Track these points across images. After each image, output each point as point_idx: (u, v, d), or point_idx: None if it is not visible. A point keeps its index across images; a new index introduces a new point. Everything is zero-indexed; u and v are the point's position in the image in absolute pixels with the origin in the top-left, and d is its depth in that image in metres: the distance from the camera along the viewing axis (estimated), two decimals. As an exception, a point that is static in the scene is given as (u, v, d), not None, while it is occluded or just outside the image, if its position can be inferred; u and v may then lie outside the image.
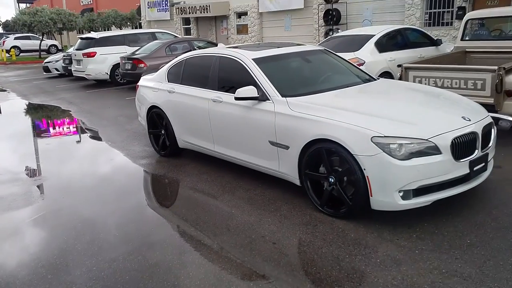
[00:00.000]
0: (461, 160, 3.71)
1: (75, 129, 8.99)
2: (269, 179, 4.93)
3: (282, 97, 4.44)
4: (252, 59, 4.93)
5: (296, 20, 16.63)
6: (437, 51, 9.46)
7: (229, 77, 5.14)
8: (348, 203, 3.87)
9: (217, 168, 5.56)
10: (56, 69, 17.94)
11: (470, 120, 3.90)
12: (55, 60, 18.14)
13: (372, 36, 8.60)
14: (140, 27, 28.68)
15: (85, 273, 3.33)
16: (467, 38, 7.98)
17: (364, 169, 3.65)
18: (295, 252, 3.50)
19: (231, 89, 4.96)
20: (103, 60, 14.54)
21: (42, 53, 28.62)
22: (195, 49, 13.99)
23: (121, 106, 10.84)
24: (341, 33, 9.71)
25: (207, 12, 19.11)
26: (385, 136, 3.61)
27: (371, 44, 8.45)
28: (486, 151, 3.98)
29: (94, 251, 3.65)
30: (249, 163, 4.89)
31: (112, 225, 4.19)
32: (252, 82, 4.71)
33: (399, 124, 3.74)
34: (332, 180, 3.97)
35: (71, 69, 16.18)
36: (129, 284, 3.16)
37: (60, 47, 34.75)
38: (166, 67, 6.22)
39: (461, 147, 3.72)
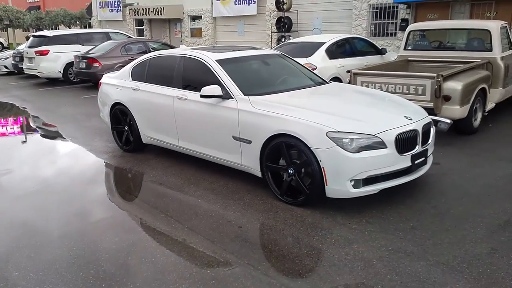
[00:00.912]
0: (404, 154, 4.22)
1: (33, 125, 8.89)
2: (231, 172, 5.26)
3: (245, 95, 4.80)
4: (216, 60, 5.26)
5: (249, 26, 17.10)
6: (382, 59, 10.18)
7: (193, 77, 5.44)
8: (305, 192, 4.28)
9: (180, 162, 5.83)
10: (5, 67, 17.39)
11: (411, 119, 4.44)
12: (4, 58, 17.59)
13: (323, 43, 9.17)
14: (90, 27, 28.18)
15: (83, 247, 3.53)
16: (409, 48, 8.68)
17: (320, 160, 4.08)
18: (259, 234, 3.86)
19: (195, 87, 5.26)
20: (56, 59, 14.32)
21: (-15, 49, 27.39)
22: (150, 50, 14.15)
23: (77, 104, 10.79)
24: (293, 39, 10.24)
25: (161, 14, 19.19)
26: (338, 131, 4.05)
27: (322, 51, 9.00)
28: (426, 147, 4.53)
29: (87, 232, 3.84)
30: (212, 157, 5.20)
31: (89, 212, 4.36)
32: (216, 81, 5.03)
33: (350, 121, 4.21)
34: (291, 172, 4.37)
35: (21, 67, 15.76)
36: (112, 258, 3.39)
37: (5, 45, 33.35)
38: (129, 66, 6.42)
39: (404, 142, 4.23)
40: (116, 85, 6.41)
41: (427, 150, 4.57)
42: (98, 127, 8.06)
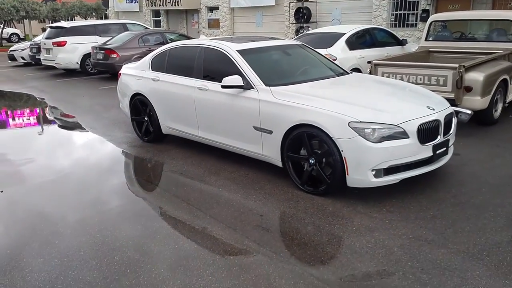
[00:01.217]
0: (426, 144, 4.21)
1: (53, 116, 9.04)
2: (251, 162, 5.31)
3: (266, 86, 4.83)
4: (237, 50, 5.28)
5: (268, 17, 17.05)
6: (402, 50, 10.09)
7: (214, 67, 5.47)
8: (326, 181, 4.30)
9: (200, 153, 5.89)
10: (22, 58, 17.65)
11: (434, 109, 4.42)
12: (21, 49, 17.84)
13: (343, 34, 9.12)
14: (106, 18, 28.38)
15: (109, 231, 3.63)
16: (430, 39, 8.59)
17: (342, 150, 4.09)
18: (280, 222, 3.90)
19: (216, 78, 5.30)
20: (74, 50, 14.48)
21: (3, 41, 27.78)
22: (168, 41, 14.24)
23: (95, 96, 10.92)
24: (313, 30, 10.19)
25: (178, 5, 19.23)
26: (360, 122, 4.06)
27: (342, 41, 8.96)
28: (448, 137, 4.51)
29: (110, 219, 3.94)
30: (233, 147, 5.25)
31: (111, 201, 4.46)
32: (237, 72, 5.06)
33: (372, 111, 4.20)
34: (312, 161, 4.40)
35: (39, 58, 16.00)
36: (136, 245, 3.47)
37: (22, 36, 33.80)
38: (149, 56, 6.48)
39: (426, 132, 4.22)
40: (136, 75, 6.49)
41: (448, 140, 4.55)
42: (116, 118, 8.17)
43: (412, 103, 4.54)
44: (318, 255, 3.34)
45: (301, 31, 15.43)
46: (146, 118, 6.45)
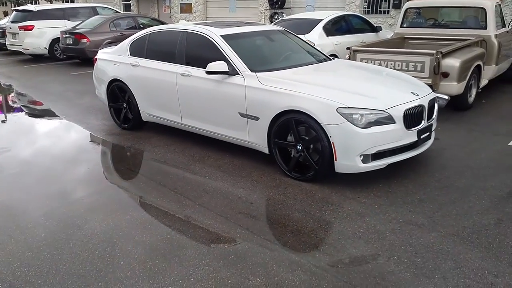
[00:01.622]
0: (411, 129, 4.28)
1: (24, 103, 8.69)
2: (235, 149, 5.28)
3: (252, 72, 4.78)
4: (220, 35, 5.20)
5: (241, 2, 16.85)
6: (377, 37, 10.18)
7: (197, 52, 5.36)
8: (314, 167, 4.31)
9: (182, 140, 5.80)
10: (-16, 43, 16.87)
11: (418, 95, 4.48)
12: (-17, 33, 17.04)
13: (320, 20, 9.11)
14: (73, 1, 27.40)
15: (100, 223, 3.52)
16: (405, 26, 8.70)
17: (330, 136, 4.11)
18: (271, 209, 3.90)
19: (199, 64, 5.20)
20: (42, 34, 13.93)
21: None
22: (140, 26, 13.91)
23: (66, 82, 10.58)
24: (289, 16, 10.12)
25: (148, -11, 18.78)
26: (348, 107, 4.08)
27: (319, 28, 8.95)
28: (431, 122, 4.59)
29: (96, 210, 3.83)
30: (218, 134, 5.19)
31: (95, 191, 4.33)
32: (221, 57, 4.98)
33: (360, 97, 4.23)
34: (300, 148, 4.40)
35: (3, 43, 15.35)
36: (126, 236, 3.39)
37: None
38: (127, 41, 6.30)
39: (411, 118, 4.28)
40: (114, 61, 6.30)
41: (431, 125, 4.64)
42: (91, 105, 7.95)
43: (397, 89, 4.58)
44: (312, 241, 3.35)
45: (275, 16, 15.35)
46: (124, 105, 6.30)
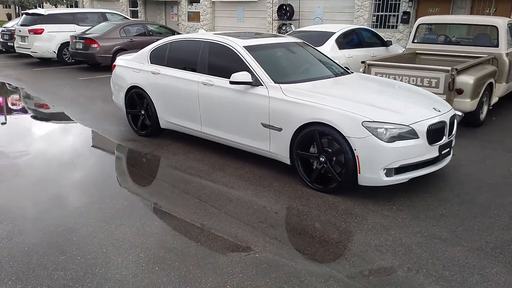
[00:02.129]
0: (433, 145, 4.36)
1: (37, 107, 8.74)
2: (255, 158, 5.34)
3: (275, 83, 4.86)
4: (244, 46, 5.29)
5: (249, 12, 17.02)
6: (387, 51, 10.32)
7: (219, 62, 5.44)
8: (337, 179, 4.38)
9: (200, 148, 5.87)
10: (-8, 44, 16.97)
11: (440, 111, 4.57)
12: (-10, 35, 17.13)
13: (333, 33, 9.23)
14: (76, 6, 27.61)
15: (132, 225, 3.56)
16: (417, 41, 8.83)
17: (355, 149, 4.18)
18: (297, 220, 3.95)
19: (222, 73, 5.29)
20: (51, 38, 14.04)
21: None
22: (150, 32, 14.03)
23: (77, 87, 10.65)
24: (302, 28, 10.25)
25: (157, -3, 18.95)
26: (373, 121, 4.16)
27: (332, 40, 9.07)
28: (451, 138, 4.68)
29: (124, 217, 3.87)
30: (238, 144, 5.25)
31: (121, 196, 4.38)
32: (244, 68, 5.07)
33: (384, 111, 4.31)
34: (323, 159, 4.47)
35: (11, 45, 15.45)
36: (158, 242, 3.44)
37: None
38: (147, 49, 6.38)
39: (434, 133, 4.36)
40: (133, 68, 6.38)
41: (452, 141, 4.72)
42: (104, 110, 8.02)
43: (419, 104, 4.67)
44: (340, 252, 3.41)
45: (284, 28, 15.50)
46: (142, 112, 6.37)
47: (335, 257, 3.33)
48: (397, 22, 13.40)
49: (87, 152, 5.82)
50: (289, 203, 4.29)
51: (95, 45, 12.87)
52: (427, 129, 4.27)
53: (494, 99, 7.76)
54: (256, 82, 4.94)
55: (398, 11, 13.28)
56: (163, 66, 6.02)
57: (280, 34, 6.35)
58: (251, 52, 5.23)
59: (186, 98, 5.65)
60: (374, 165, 4.16)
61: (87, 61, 13.69)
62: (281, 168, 5.08)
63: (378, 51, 10.00)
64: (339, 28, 9.52)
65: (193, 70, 5.64)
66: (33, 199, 4.27)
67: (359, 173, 4.24)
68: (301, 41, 6.20)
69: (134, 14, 21.06)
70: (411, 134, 4.20)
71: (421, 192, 4.55)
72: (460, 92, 6.57)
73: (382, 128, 4.14)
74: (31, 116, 7.87)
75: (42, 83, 11.16)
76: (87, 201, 4.24)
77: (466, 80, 6.59)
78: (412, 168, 4.32)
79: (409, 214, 4.08)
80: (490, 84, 7.31)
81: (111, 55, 13.11)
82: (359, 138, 4.15)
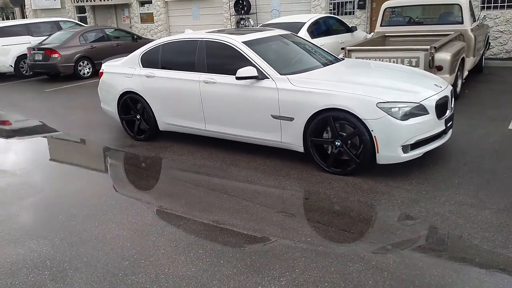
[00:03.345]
0: (440, 119, 4.63)
1: (16, 121, 8.36)
2: (263, 150, 5.45)
3: (281, 75, 4.97)
4: (242, 42, 5.35)
5: (205, 9, 16.93)
6: (352, 37, 10.66)
7: (219, 60, 5.47)
8: (356, 161, 4.56)
9: (204, 146, 5.89)
10: None
11: (441, 87, 4.85)
12: None
13: (304, 23, 9.45)
14: (14, 18, 26.39)
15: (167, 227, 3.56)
16: (384, 24, 9.20)
17: (372, 130, 4.37)
18: (329, 203, 4.09)
19: (224, 70, 5.33)
20: (6, 52, 13.43)
21: None
22: (109, 37, 13.71)
23: (46, 98, 10.28)
24: (271, 21, 10.38)
25: (108, 0, 18.42)
26: (387, 102, 4.36)
27: (304, 30, 9.27)
28: (452, 112, 4.97)
29: (162, 221, 3.86)
30: (247, 138, 5.32)
31: (157, 196, 4.35)
32: (247, 63, 5.14)
33: (394, 91, 4.52)
34: (338, 144, 4.64)
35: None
36: (208, 236, 3.47)
37: None
38: (137, 53, 6.29)
39: (440, 108, 4.63)
40: (125, 73, 6.28)
41: (453, 114, 5.02)
42: (89, 120, 7.84)
43: (422, 82, 4.92)
44: (385, 227, 3.58)
45: (242, 22, 15.58)
46: (138, 117, 6.29)
47: (383, 233, 3.51)
48: (353, 8, 13.81)
49: (93, 162, 5.69)
50: (314, 188, 4.43)
51: (56, 55, 12.44)
52: (435, 104, 4.53)
53: (465, 73, 8.25)
54: (261, 76, 5.02)
55: (354, -2, 13.69)
56: (157, 68, 5.98)
57: (268, 28, 6.45)
58: (251, 47, 5.30)
59: (187, 98, 5.64)
60: (392, 144, 4.37)
61: (47, 72, 13.20)
62: (292, 157, 5.21)
63: (345, 38, 10.32)
64: (308, 18, 9.74)
65: (191, 69, 5.64)
66: (73, 211, 4.16)
67: (377, 152, 4.43)
68: (289, 32, 6.33)
69: (83, 20, 20.39)
70: (422, 110, 4.45)
71: (432, 165, 4.82)
72: (440, 68, 6.94)
73: (396, 107, 4.35)
74: (14, 132, 7.54)
75: (7, 97, 10.67)
76: (127, 206, 4.18)
77: (444, 56, 6.97)
78: (424, 143, 4.56)
79: (429, 186, 4.32)
80: (462, 59, 7.77)
81: (73, 64, 12.75)
82: (375, 119, 4.35)
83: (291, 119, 4.85)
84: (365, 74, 5.17)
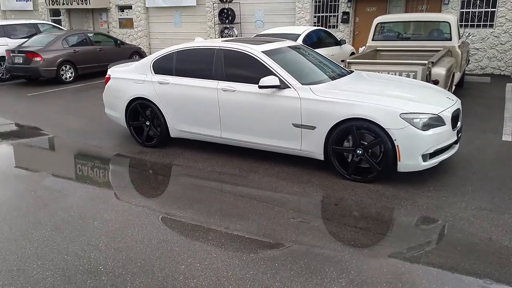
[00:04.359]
0: (454, 130, 4.93)
1: (18, 128, 8.13)
2: (279, 158, 5.59)
3: (302, 84, 5.14)
4: (262, 51, 5.50)
5: (187, 17, 16.96)
6: (341, 50, 11.03)
7: (238, 68, 5.57)
8: (377, 168, 4.78)
9: (217, 153, 5.97)
10: None
11: (453, 100, 5.16)
12: None
13: (299, 35, 9.70)
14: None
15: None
16: (375, 39, 9.59)
17: (395, 139, 4.61)
18: (358, 208, 4.27)
19: (243, 79, 5.46)
20: (-17, 54, 12.98)
21: None
22: (92, 41, 13.53)
23: (32, 103, 10.03)
24: (267, 31, 10.57)
25: (85, 4, 18.13)
26: (410, 112, 4.61)
27: (299, 41, 9.51)
28: (461, 124, 5.29)
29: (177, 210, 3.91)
30: (266, 146, 5.44)
31: (186, 204, 4.39)
32: (267, 72, 5.29)
33: (415, 103, 4.77)
34: (360, 152, 4.84)
35: None
36: (254, 243, 3.57)
37: None
38: (148, 60, 6.32)
39: (454, 119, 4.93)
40: (135, 79, 6.28)
41: (462, 126, 5.34)
42: (87, 126, 7.75)
43: (435, 95, 5.21)
44: (417, 232, 3.79)
45: (226, 31, 15.72)
46: (148, 123, 6.30)
47: (419, 236, 3.71)
48: (337, 22, 14.24)
49: (114, 168, 5.65)
50: (340, 195, 4.60)
51: (38, 58, 12.16)
52: (451, 116, 4.82)
53: (453, 87, 8.70)
54: (283, 85, 5.18)
55: (337, 12, 14.12)
56: (171, 75, 6.02)
57: (280, 39, 6.61)
58: (270, 56, 5.46)
59: (203, 105, 5.72)
60: (414, 152, 4.61)
61: (27, 76, 12.84)
62: (308, 164, 5.39)
63: (334, 50, 10.66)
64: (302, 30, 10.01)
65: (208, 77, 5.72)
66: (106, 216, 4.14)
67: (399, 161, 4.67)
68: (300, 43, 6.53)
69: (57, 23, 19.92)
70: (440, 121, 4.72)
71: (443, 174, 5.10)
72: (436, 83, 7.30)
73: (417, 118, 4.60)
74: (20, 140, 7.34)
75: (-12, 102, 10.33)
76: (160, 212, 4.20)
77: (440, 71, 7.35)
78: (439, 152, 4.84)
79: (447, 193, 4.59)
80: (453, 74, 8.21)
81: (55, 68, 12.49)
82: (398, 129, 4.58)
83: (313, 127, 5.02)
84: (381, 86, 5.40)
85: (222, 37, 15.91)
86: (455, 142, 5.04)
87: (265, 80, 5.11)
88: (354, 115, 4.76)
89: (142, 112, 6.30)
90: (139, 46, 17.57)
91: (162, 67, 6.15)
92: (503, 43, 12.27)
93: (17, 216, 4.23)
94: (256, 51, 5.50)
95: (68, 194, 4.76)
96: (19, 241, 3.75)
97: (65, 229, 3.94)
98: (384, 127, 4.63)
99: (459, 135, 5.12)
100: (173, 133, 6.16)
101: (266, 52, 5.52)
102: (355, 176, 4.95)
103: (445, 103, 4.97)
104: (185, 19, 17.05)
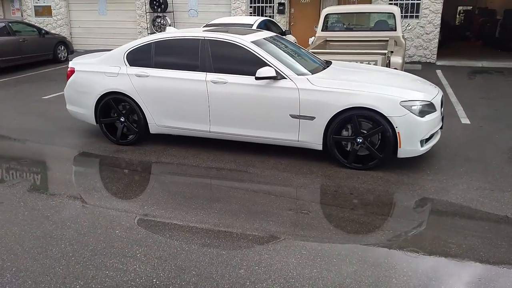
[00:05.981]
0: (441, 115, 5.23)
1: None
2: (271, 150, 5.54)
3: (298, 75, 5.12)
4: (251, 42, 5.37)
5: (114, 5, 15.98)
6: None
7: (228, 60, 5.38)
8: (378, 156, 4.92)
9: (204, 149, 5.75)
10: None
11: (436, 87, 5.46)
12: None
13: (252, 25, 9.62)
14: None
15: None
16: (325, 30, 9.82)
17: (396, 127, 4.77)
18: (371, 195, 4.37)
19: (235, 70, 5.29)
20: None
21: None
22: (13, 31, 12.26)
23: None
24: (216, 21, 10.32)
25: (-7, -10, 16.34)
26: (408, 100, 4.80)
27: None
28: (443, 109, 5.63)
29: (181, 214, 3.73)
30: (260, 138, 5.33)
31: (198, 204, 4.16)
32: (260, 63, 5.18)
33: (410, 91, 4.96)
34: (360, 140, 4.95)
35: None
36: (285, 234, 3.50)
37: None
38: (120, 51, 5.87)
39: (441, 106, 5.23)
40: (106, 72, 5.81)
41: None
42: (43, 123, 7.04)
43: (422, 83, 5.47)
44: (444, 213, 3.98)
45: (158, 20, 15.12)
46: (122, 119, 5.88)
47: (441, 216, 3.90)
48: (273, 13, 14.34)
49: (91, 174, 5.17)
50: (345, 182, 4.67)
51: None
52: (440, 102, 5.11)
53: (400, 75, 9.22)
54: (279, 76, 5.11)
55: (273, 2, 14.22)
56: (150, 67, 5.66)
57: (257, 30, 6.47)
58: (261, 47, 5.35)
59: (189, 99, 5.46)
60: (413, 139, 4.82)
61: None
62: (304, 155, 5.40)
63: (282, 40, 10.72)
64: (254, 20, 9.95)
65: (194, 69, 5.47)
66: (128, 225, 3.78)
67: (400, 147, 4.85)
68: (275, 34, 6.47)
69: (-43, 10, 17.74)
70: (432, 108, 4.98)
71: (431, 158, 5.39)
72: (395, 71, 7.69)
73: (415, 105, 4.81)
74: None
75: None
76: (176, 217, 3.94)
77: (397, 60, 7.74)
78: (431, 137, 5.11)
79: (444, 175, 4.87)
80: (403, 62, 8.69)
81: (-27, 61, 11.13)
82: (399, 116, 4.75)
83: (312, 118, 5.03)
84: (370, 75, 5.53)
85: (154, 26, 15.26)
86: (441, 128, 5.35)
87: (262, 71, 5.01)
88: (357, 104, 4.84)
89: (116, 108, 5.85)
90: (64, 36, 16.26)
91: (139, 58, 5.75)
92: (428, 32, 13.23)
93: (21, 231, 3.72)
94: (245, 41, 5.35)
95: (66, 205, 4.29)
96: (39, 259, 3.30)
97: (88, 242, 3.55)
98: (386, 115, 4.77)
99: (443, 121, 5.44)
100: (153, 129, 5.81)
101: (255, 43, 5.40)
102: (356, 164, 5.05)
103: (432, 90, 5.25)
104: (110, 6, 16.07)
